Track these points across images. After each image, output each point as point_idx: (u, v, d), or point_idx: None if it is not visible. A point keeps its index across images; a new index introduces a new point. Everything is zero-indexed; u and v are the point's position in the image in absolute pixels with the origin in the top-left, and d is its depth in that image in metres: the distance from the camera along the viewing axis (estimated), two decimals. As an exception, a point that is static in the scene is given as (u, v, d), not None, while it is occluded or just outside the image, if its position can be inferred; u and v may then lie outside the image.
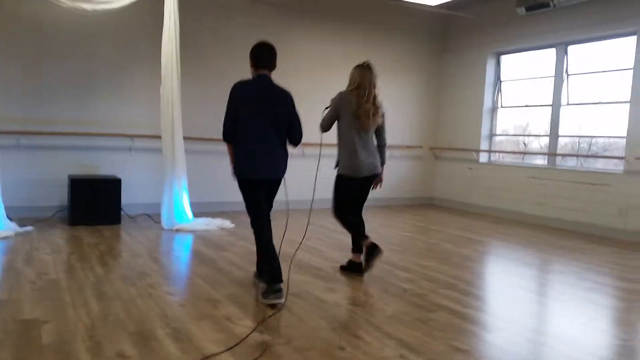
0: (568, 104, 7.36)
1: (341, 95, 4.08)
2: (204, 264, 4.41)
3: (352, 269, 4.25)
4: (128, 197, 6.28)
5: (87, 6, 5.39)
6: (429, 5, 7.63)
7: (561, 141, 7.63)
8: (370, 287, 3.94)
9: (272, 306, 3.32)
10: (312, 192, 4.02)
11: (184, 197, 5.99)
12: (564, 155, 7.69)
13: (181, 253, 5.07)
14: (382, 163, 4.26)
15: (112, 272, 4.06)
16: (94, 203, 5.89)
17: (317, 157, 4.19)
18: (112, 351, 2.59)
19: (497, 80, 8.46)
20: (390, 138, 5.92)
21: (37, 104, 6.10)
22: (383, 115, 4.17)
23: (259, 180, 3.59)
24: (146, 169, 6.60)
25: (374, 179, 4.21)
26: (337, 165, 4.21)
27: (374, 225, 6.58)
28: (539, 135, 8.19)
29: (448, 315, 3.37)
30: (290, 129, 3.66)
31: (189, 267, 4.26)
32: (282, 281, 3.45)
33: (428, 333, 3.04)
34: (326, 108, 4.16)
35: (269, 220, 3.67)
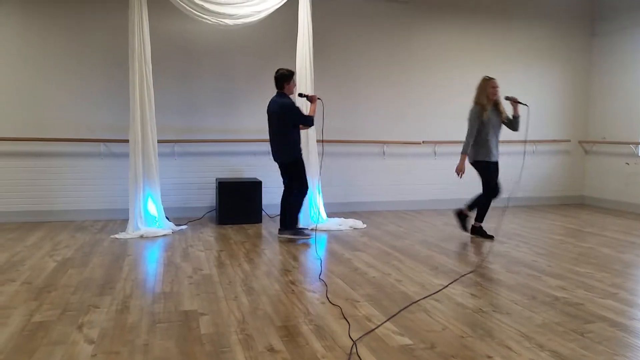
0: None
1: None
2: (341, 263, 4.49)
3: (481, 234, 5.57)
4: (268, 198, 6.64)
5: (229, 21, 5.82)
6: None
7: None
8: (515, 293, 3.69)
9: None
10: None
11: (317, 198, 6.16)
12: None
13: (317, 252, 5.22)
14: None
15: (257, 268, 4.31)
16: (239, 204, 6.33)
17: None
18: (262, 345, 2.74)
19: (660, 63, 7.47)
20: (533, 131, 5.65)
21: (188, 115, 6.72)
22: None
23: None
24: (284, 171, 6.90)
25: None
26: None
27: (513, 227, 6.18)
28: None
29: (610, 328, 3.03)
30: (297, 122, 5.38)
31: (326, 266, 4.36)
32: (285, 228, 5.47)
33: (586, 346, 2.76)
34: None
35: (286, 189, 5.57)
